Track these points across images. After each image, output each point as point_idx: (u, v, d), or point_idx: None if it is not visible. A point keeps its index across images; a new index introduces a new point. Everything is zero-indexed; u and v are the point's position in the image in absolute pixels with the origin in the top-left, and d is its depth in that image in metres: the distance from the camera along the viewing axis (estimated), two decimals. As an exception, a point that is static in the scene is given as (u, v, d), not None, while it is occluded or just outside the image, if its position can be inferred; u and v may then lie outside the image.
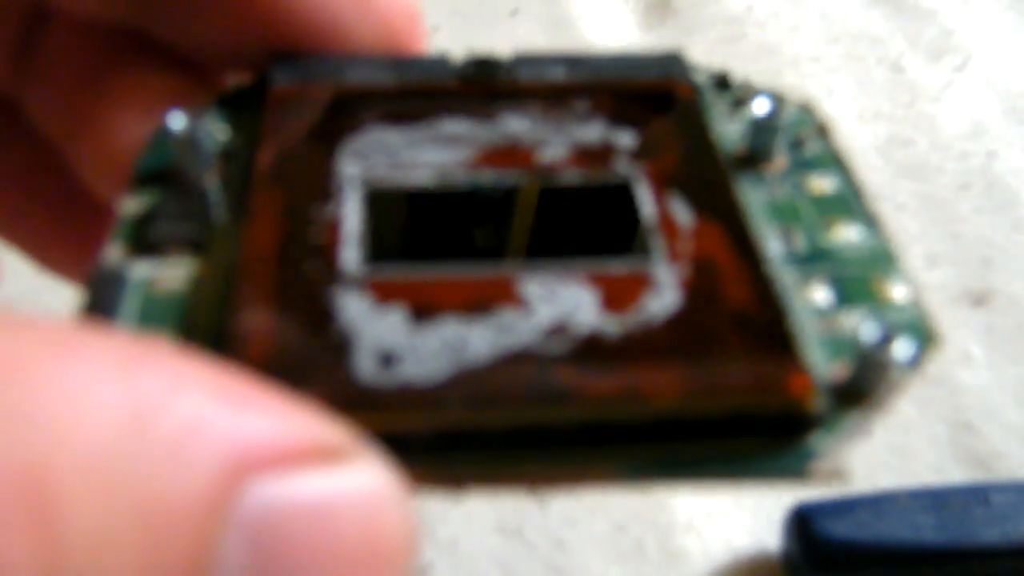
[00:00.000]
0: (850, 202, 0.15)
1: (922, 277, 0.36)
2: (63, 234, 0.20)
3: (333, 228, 0.14)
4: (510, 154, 0.15)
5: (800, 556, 0.27)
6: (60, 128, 0.18)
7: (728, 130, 0.16)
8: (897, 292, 0.14)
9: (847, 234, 0.15)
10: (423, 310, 0.12)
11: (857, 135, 0.42)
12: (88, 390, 0.09)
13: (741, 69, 0.46)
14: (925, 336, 0.13)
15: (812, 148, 0.16)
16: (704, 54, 0.46)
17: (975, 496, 0.28)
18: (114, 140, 0.17)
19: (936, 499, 0.28)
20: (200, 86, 0.18)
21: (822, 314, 0.13)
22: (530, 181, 0.15)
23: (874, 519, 0.27)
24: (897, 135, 0.42)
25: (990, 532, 0.27)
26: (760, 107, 0.15)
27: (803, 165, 0.16)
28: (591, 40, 0.47)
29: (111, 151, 0.17)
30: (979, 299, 0.36)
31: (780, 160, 0.16)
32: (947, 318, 0.35)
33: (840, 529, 0.27)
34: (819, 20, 0.48)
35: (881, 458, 0.31)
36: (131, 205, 0.14)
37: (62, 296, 0.21)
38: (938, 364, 0.34)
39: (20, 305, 0.36)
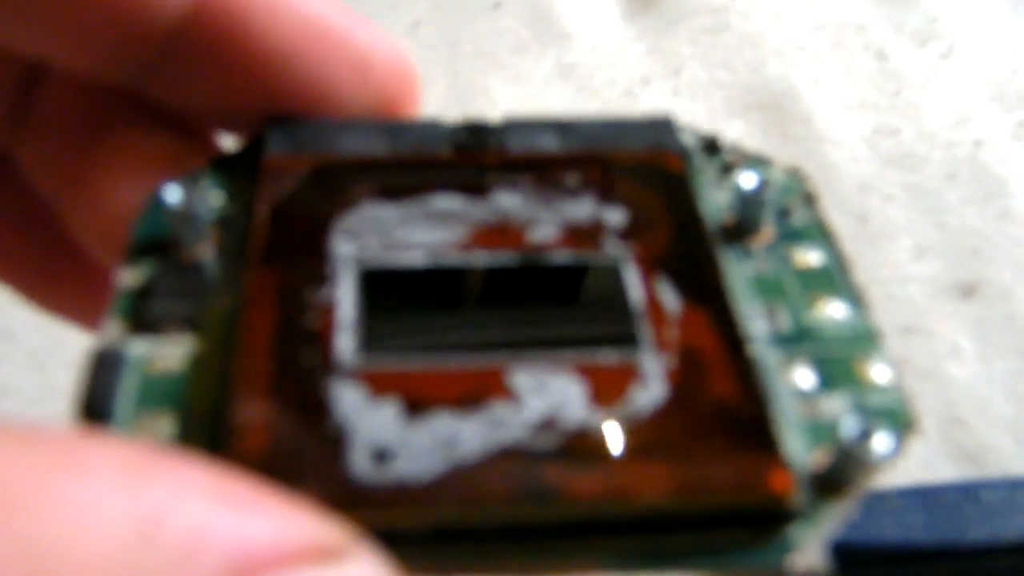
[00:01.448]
0: (835, 277, 0.15)
1: (910, 270, 0.36)
2: (57, 276, 0.20)
3: (327, 313, 0.14)
4: (501, 233, 0.15)
5: (791, 558, 0.27)
6: (53, 186, 0.18)
7: (716, 198, 0.16)
8: (879, 374, 0.14)
9: (831, 311, 0.15)
10: (416, 404, 0.13)
11: (843, 125, 0.42)
12: (95, 505, 0.09)
13: (725, 60, 0.46)
14: (904, 423, 0.13)
15: (798, 218, 0.16)
16: (687, 44, 0.46)
17: (965, 494, 0.28)
18: (107, 203, 0.17)
19: (926, 498, 0.28)
20: (194, 147, 0.17)
21: (804, 398, 0.14)
22: (519, 262, 0.15)
23: (865, 519, 0.27)
24: (883, 124, 0.42)
25: (980, 530, 0.27)
26: (747, 181, 0.15)
27: (789, 236, 0.16)
28: (574, 32, 0.47)
29: (104, 214, 0.17)
30: (968, 291, 0.35)
31: (767, 231, 0.16)
32: (936, 311, 0.35)
33: (830, 530, 0.27)
34: (803, 8, 0.48)
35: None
36: (127, 278, 0.14)
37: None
38: (928, 358, 0.34)
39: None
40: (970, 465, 0.31)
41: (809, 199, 0.16)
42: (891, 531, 0.27)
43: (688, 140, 0.17)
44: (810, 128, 0.41)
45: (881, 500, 0.27)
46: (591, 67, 0.45)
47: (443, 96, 0.44)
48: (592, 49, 0.46)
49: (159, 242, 0.15)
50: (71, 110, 0.18)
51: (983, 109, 0.42)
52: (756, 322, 0.14)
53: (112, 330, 0.13)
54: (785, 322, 0.14)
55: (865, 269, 0.36)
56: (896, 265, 0.36)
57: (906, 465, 0.31)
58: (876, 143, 0.41)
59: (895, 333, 0.34)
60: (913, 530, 0.27)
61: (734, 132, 0.42)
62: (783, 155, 0.40)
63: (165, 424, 0.12)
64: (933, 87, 0.43)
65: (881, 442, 0.12)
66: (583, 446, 0.12)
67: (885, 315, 0.34)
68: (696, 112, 0.43)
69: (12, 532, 0.08)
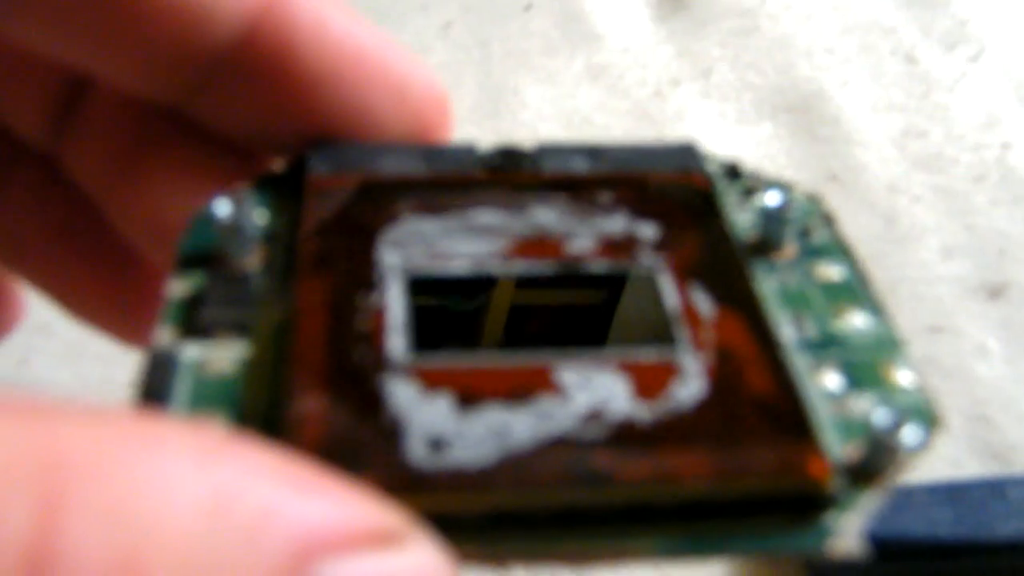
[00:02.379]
0: (856, 290, 0.16)
1: (938, 270, 0.36)
2: (98, 287, 0.20)
3: (378, 316, 0.14)
4: (540, 245, 0.16)
5: (818, 551, 0.27)
6: (101, 189, 0.19)
7: (740, 219, 0.17)
8: (903, 377, 0.15)
9: (854, 321, 0.15)
10: (468, 397, 0.13)
11: (871, 127, 0.42)
12: (171, 482, 0.09)
13: (755, 62, 0.46)
14: (930, 420, 0.14)
15: (819, 237, 0.17)
16: (717, 46, 0.46)
17: (991, 490, 0.28)
18: (154, 208, 0.17)
19: (952, 493, 0.28)
20: (242, 166, 0.18)
21: (834, 398, 0.14)
22: (558, 270, 0.16)
23: (891, 514, 0.27)
24: (912, 126, 0.42)
25: (1007, 526, 0.27)
26: (771, 199, 0.16)
27: (811, 253, 0.17)
28: (604, 33, 0.47)
29: (152, 217, 0.17)
30: (995, 291, 0.36)
31: (790, 248, 0.17)
32: (963, 311, 0.35)
33: (857, 524, 0.27)
34: (832, 11, 0.48)
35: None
36: (177, 288, 0.15)
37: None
38: (954, 357, 0.34)
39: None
40: (996, 463, 0.31)
41: (828, 220, 0.17)
42: (918, 526, 0.27)
43: (710, 167, 0.18)
44: (839, 130, 0.42)
45: (908, 495, 0.28)
46: (621, 68, 0.45)
47: (474, 96, 0.44)
48: (622, 50, 0.47)
49: (208, 254, 0.15)
50: (121, 119, 0.18)
51: (1012, 112, 0.42)
52: (785, 329, 0.15)
53: (165, 335, 0.14)
54: (812, 329, 0.15)
55: (893, 269, 0.36)
56: (924, 265, 0.36)
57: (933, 462, 0.31)
58: (904, 145, 0.41)
59: (922, 332, 0.34)
60: (940, 525, 0.27)
61: (763, 133, 0.42)
62: (812, 156, 0.41)
63: (219, 423, 0.13)
64: (961, 90, 0.43)
65: (911, 433, 0.13)
66: (629, 435, 0.13)
67: (912, 314, 0.35)
68: (726, 113, 0.43)
69: (90, 500, 0.09)
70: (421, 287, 0.15)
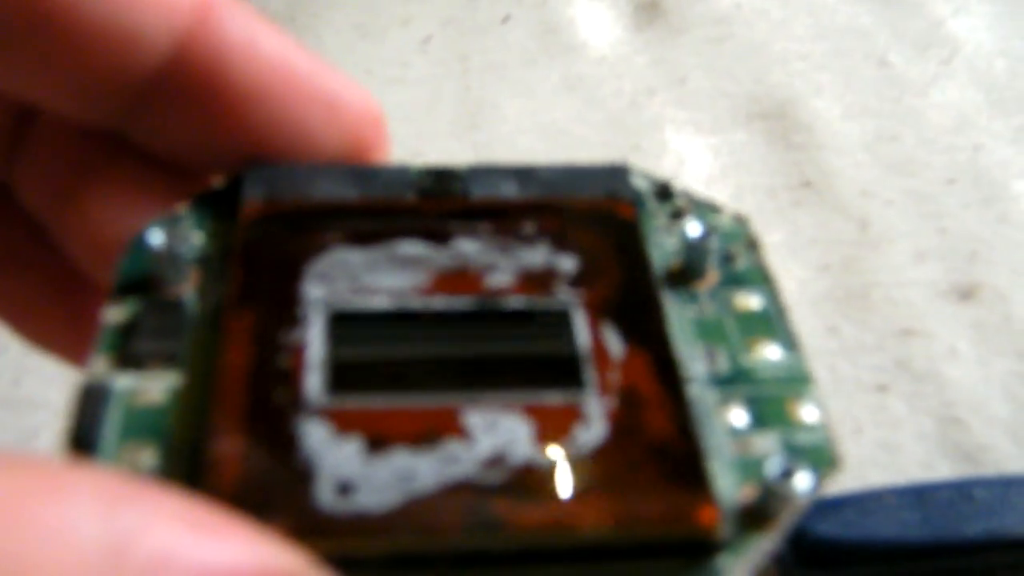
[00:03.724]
0: (772, 320, 0.16)
1: (910, 273, 0.37)
2: (50, 312, 0.20)
3: (298, 354, 0.15)
4: (461, 279, 0.16)
5: (789, 555, 0.28)
6: (48, 213, 0.19)
7: (665, 243, 0.17)
8: (808, 414, 0.15)
9: (767, 354, 0.16)
10: (377, 440, 0.14)
11: (844, 132, 0.43)
12: (69, 526, 0.10)
13: (729, 70, 0.47)
14: (828, 462, 0.14)
15: (741, 263, 0.17)
16: (692, 54, 0.47)
17: (959, 492, 0.28)
18: (97, 230, 0.18)
19: (921, 496, 0.28)
20: (181, 186, 0.18)
21: (738, 436, 0.15)
22: (476, 307, 0.16)
23: (861, 517, 0.28)
24: (884, 131, 0.43)
25: (974, 527, 0.28)
26: (693, 230, 0.17)
27: (732, 281, 0.17)
28: (580, 44, 0.48)
29: (95, 239, 0.18)
30: (966, 293, 0.36)
31: (711, 276, 0.17)
32: (935, 313, 0.36)
33: (828, 528, 0.28)
34: (806, 16, 0.49)
35: (870, 455, 0.32)
36: (113, 315, 0.15)
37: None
38: (926, 360, 0.34)
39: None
40: (967, 464, 0.32)
41: (752, 245, 0.17)
42: (886, 529, 0.28)
43: (642, 185, 0.18)
44: (812, 136, 0.42)
45: (877, 499, 0.28)
46: (598, 79, 0.46)
47: (454, 110, 0.45)
48: (599, 61, 0.47)
49: (143, 280, 0.16)
50: (64, 144, 0.19)
51: (983, 114, 0.43)
52: (696, 363, 0.16)
53: (99, 365, 0.15)
54: (723, 363, 0.16)
55: (866, 273, 0.37)
56: (896, 269, 0.37)
57: (904, 464, 0.32)
58: (877, 149, 0.42)
59: (894, 336, 0.35)
60: (908, 527, 0.28)
61: (738, 141, 0.42)
62: (786, 163, 0.41)
63: (148, 456, 0.14)
64: (934, 93, 0.44)
65: (802, 480, 0.13)
66: (529, 481, 0.13)
67: (885, 318, 0.35)
68: (700, 122, 0.43)
69: None
70: (344, 321, 0.15)
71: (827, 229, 0.39)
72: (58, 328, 0.21)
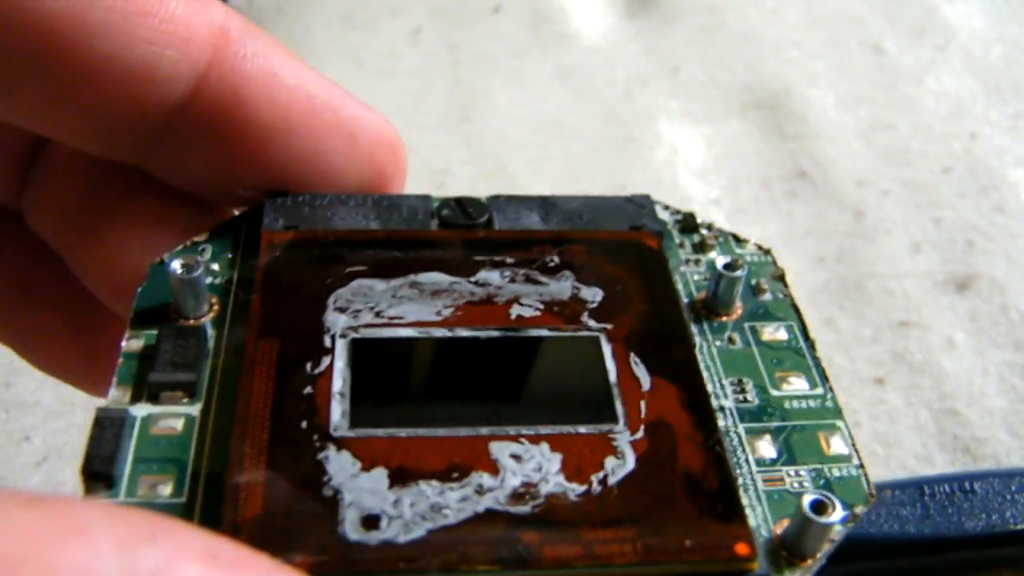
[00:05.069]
0: (800, 352, 0.16)
1: (906, 264, 0.37)
2: (63, 340, 0.20)
3: (322, 384, 0.14)
4: (486, 310, 0.16)
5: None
6: (62, 243, 0.19)
7: (690, 276, 0.17)
8: (839, 446, 0.15)
9: (795, 386, 0.16)
10: (403, 472, 0.13)
11: (839, 121, 0.42)
12: (92, 567, 0.10)
13: (722, 59, 0.46)
14: (862, 495, 0.14)
15: (768, 296, 0.17)
16: (685, 43, 0.47)
17: (959, 486, 0.28)
18: (113, 261, 0.18)
19: (920, 491, 0.28)
20: (198, 218, 0.18)
21: (769, 470, 0.15)
22: (501, 335, 0.16)
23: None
24: (879, 119, 0.42)
25: (974, 521, 0.28)
26: (721, 262, 0.16)
27: (759, 313, 0.17)
28: (572, 34, 0.47)
29: (111, 270, 0.18)
30: (963, 284, 0.36)
31: (737, 308, 0.17)
32: (931, 305, 0.35)
33: (827, 524, 0.28)
34: (800, 3, 0.48)
35: (868, 448, 0.32)
36: (133, 344, 0.15)
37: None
38: (923, 351, 0.34)
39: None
40: (965, 457, 0.32)
41: (778, 277, 0.17)
42: (887, 524, 0.28)
43: (664, 217, 0.18)
44: (807, 125, 0.42)
45: (877, 493, 0.28)
46: (590, 69, 0.46)
47: (444, 102, 0.44)
48: (591, 51, 0.47)
49: (162, 309, 0.16)
50: (80, 175, 0.19)
51: (978, 101, 0.43)
52: (724, 396, 0.15)
53: (118, 394, 0.15)
54: (752, 396, 0.16)
55: (862, 265, 0.36)
56: (892, 260, 0.37)
57: (902, 457, 0.32)
58: (872, 138, 0.41)
59: (891, 327, 0.35)
60: (908, 522, 0.28)
61: (732, 131, 0.42)
62: (780, 153, 0.41)
63: (166, 485, 0.14)
64: (929, 80, 0.44)
65: (838, 513, 0.13)
66: (559, 513, 0.13)
67: (881, 310, 0.35)
68: (694, 112, 0.43)
69: None
70: (368, 351, 0.15)
71: (822, 220, 0.38)
72: (71, 357, 0.20)
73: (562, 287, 0.16)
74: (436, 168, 0.40)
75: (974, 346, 0.34)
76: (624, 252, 0.17)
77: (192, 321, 0.16)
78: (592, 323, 0.16)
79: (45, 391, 0.36)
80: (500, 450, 0.14)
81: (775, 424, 0.15)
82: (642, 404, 0.15)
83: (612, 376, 0.15)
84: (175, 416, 0.14)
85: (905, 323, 0.35)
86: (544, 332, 0.16)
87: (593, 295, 0.16)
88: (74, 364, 0.21)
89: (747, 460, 0.15)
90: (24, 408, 0.36)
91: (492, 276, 0.16)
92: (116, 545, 0.10)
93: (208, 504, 0.13)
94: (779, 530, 0.14)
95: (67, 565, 0.10)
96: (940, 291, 0.36)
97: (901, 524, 0.27)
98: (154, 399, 0.14)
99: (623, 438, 0.14)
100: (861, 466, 0.15)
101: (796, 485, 0.14)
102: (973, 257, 0.37)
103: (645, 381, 0.15)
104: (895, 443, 0.32)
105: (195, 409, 0.14)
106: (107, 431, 0.14)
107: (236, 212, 0.18)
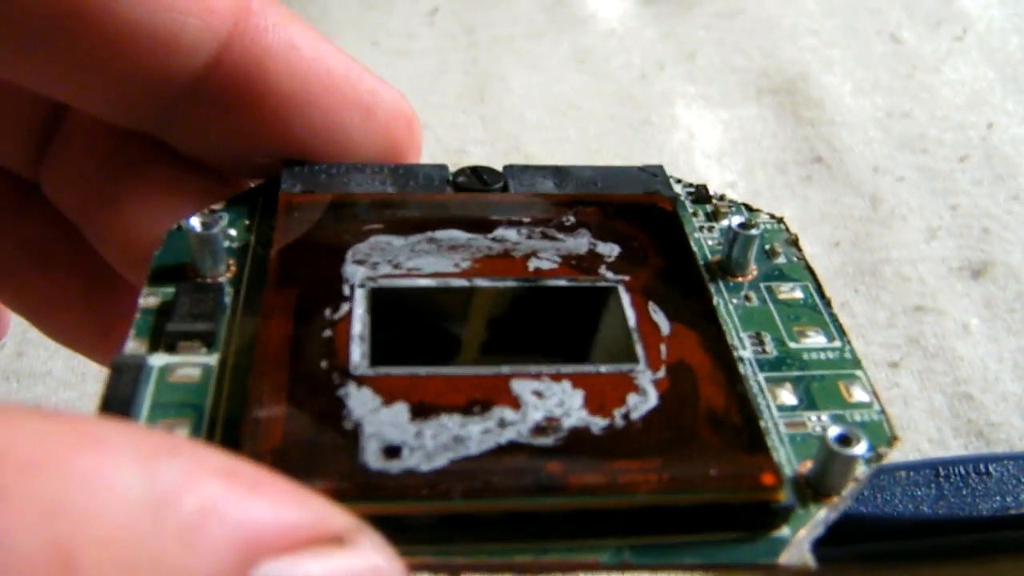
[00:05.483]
0: (817, 310, 0.16)
1: (922, 250, 0.37)
2: (77, 310, 0.20)
3: (341, 329, 0.15)
4: (504, 263, 0.16)
5: (803, 531, 0.28)
6: (79, 211, 0.19)
7: (704, 241, 0.18)
8: (859, 395, 0.15)
9: (814, 340, 0.16)
10: (424, 407, 0.13)
11: (856, 108, 0.42)
12: (109, 478, 0.10)
13: (739, 45, 0.46)
14: (886, 436, 0.14)
15: (782, 259, 0.17)
16: (702, 29, 0.46)
17: (974, 468, 0.28)
18: (130, 230, 0.18)
19: (935, 472, 0.28)
20: (215, 188, 0.18)
21: (790, 412, 0.15)
22: (520, 285, 0.16)
23: (875, 493, 0.28)
24: (896, 107, 0.42)
25: (989, 504, 0.28)
26: (736, 221, 0.17)
27: (774, 275, 0.17)
28: (589, 17, 0.47)
29: (128, 238, 0.18)
30: (978, 271, 0.36)
31: (752, 269, 0.17)
32: (946, 290, 0.35)
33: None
34: (817, -9, 0.48)
35: (882, 431, 0.32)
36: (150, 300, 0.15)
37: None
38: (938, 336, 0.34)
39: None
40: (978, 441, 0.32)
41: (792, 242, 0.18)
42: (901, 505, 0.28)
43: (678, 189, 0.18)
44: (823, 111, 0.42)
45: (892, 474, 0.28)
46: (606, 52, 0.46)
47: (460, 83, 0.44)
48: (607, 34, 0.47)
49: (180, 268, 0.16)
50: (97, 144, 0.19)
51: (996, 91, 0.42)
52: (743, 347, 0.16)
53: (135, 345, 0.15)
54: (770, 348, 0.16)
55: (877, 250, 0.36)
56: (908, 246, 0.37)
57: (916, 440, 0.32)
58: (889, 126, 0.41)
59: (906, 312, 0.35)
60: (923, 503, 0.28)
61: (748, 116, 0.42)
62: (797, 138, 0.41)
63: (183, 428, 0.14)
64: (946, 69, 0.44)
65: (862, 448, 0.13)
66: (583, 444, 0.13)
67: (897, 295, 0.35)
68: (710, 96, 0.43)
69: (33, 492, 0.09)
70: (387, 299, 0.15)
71: (838, 205, 0.38)
72: (85, 326, 0.20)
73: (579, 243, 0.17)
74: (452, 148, 0.40)
75: (989, 332, 0.34)
76: (639, 214, 0.17)
77: (209, 280, 0.16)
78: (610, 275, 0.16)
79: (57, 361, 0.36)
80: (522, 387, 0.14)
81: (795, 373, 0.15)
82: (662, 347, 0.15)
83: (632, 322, 0.15)
84: (193, 365, 0.14)
85: (920, 308, 0.35)
86: (562, 282, 0.16)
87: (610, 250, 0.17)
88: (88, 334, 0.21)
89: (768, 406, 0.15)
90: (36, 378, 0.36)
91: (509, 233, 0.17)
92: (136, 456, 0.10)
93: (226, 445, 0.13)
94: (803, 470, 0.14)
95: (86, 470, 0.09)
96: (955, 277, 0.36)
97: (916, 505, 0.27)
98: (171, 349, 0.14)
99: (645, 376, 0.14)
100: (883, 411, 0.15)
101: (818, 429, 0.14)
102: (988, 244, 0.37)
103: (664, 327, 0.15)
104: (909, 426, 0.32)
105: (213, 359, 0.14)
106: (125, 375, 0.14)
107: (252, 184, 0.18)
